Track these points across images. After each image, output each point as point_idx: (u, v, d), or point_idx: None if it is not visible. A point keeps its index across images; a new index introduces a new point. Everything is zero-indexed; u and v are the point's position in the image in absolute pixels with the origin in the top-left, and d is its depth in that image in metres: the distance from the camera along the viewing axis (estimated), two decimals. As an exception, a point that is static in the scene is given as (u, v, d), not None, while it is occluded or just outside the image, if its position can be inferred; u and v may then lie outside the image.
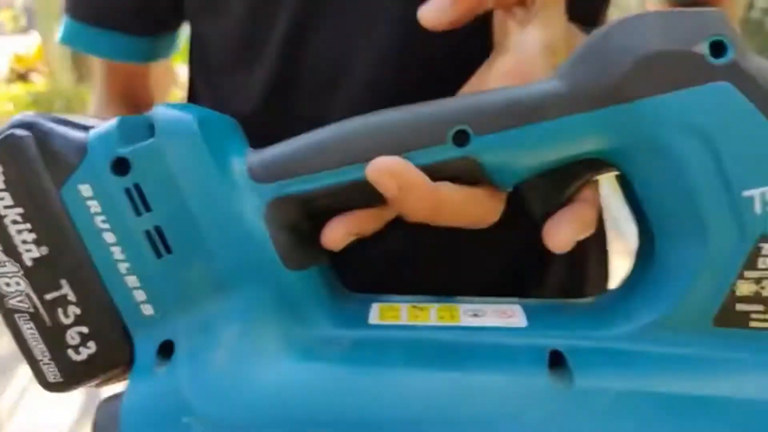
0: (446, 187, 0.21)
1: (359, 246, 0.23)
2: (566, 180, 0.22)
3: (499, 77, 0.23)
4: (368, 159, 0.20)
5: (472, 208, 0.21)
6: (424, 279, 0.31)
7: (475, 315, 0.22)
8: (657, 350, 0.21)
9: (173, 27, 0.39)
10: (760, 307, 0.20)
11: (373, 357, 0.21)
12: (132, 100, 0.42)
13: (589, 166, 0.22)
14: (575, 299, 0.24)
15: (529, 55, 0.23)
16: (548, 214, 0.22)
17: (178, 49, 0.42)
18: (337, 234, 0.22)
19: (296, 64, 0.32)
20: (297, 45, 0.32)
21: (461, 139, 0.20)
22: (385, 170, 0.20)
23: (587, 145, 0.21)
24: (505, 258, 0.33)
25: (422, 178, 0.20)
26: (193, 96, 0.38)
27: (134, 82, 0.42)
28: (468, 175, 0.21)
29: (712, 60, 0.20)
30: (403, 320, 0.22)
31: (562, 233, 0.21)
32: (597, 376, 0.20)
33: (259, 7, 0.32)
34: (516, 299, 0.24)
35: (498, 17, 0.25)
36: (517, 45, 0.24)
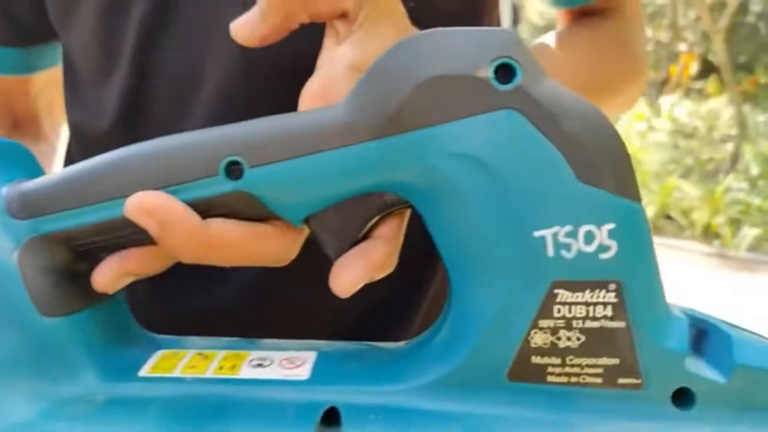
0: (219, 224, 0.19)
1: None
2: (360, 216, 0.20)
3: (306, 99, 0.21)
4: (130, 194, 0.18)
5: (257, 245, 0.19)
6: (281, 314, 0.29)
7: (259, 365, 0.20)
8: (445, 408, 0.18)
9: (45, 38, 0.37)
10: (557, 360, 0.18)
11: (122, 416, 0.18)
12: (7, 113, 0.40)
13: (383, 201, 0.20)
14: (389, 343, 0.22)
15: (334, 75, 0.21)
16: (343, 252, 0.20)
17: (58, 61, 0.40)
18: (106, 276, 0.20)
19: (148, 78, 0.31)
20: (146, 58, 0.30)
21: (234, 171, 0.18)
22: (143, 206, 0.18)
23: (369, 178, 0.19)
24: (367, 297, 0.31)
25: (187, 214, 0.18)
26: (68, 109, 0.36)
27: (9, 95, 0.40)
28: (248, 209, 0.19)
29: (496, 85, 0.18)
30: (177, 372, 0.20)
31: (344, 275, 0.19)
32: None
33: (108, 17, 0.31)
34: (324, 343, 0.22)
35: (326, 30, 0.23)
36: (325, 64, 0.22)
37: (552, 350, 0.18)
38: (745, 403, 0.18)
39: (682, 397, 0.18)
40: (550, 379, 0.18)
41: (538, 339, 0.18)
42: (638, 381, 0.18)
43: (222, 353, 0.20)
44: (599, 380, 0.18)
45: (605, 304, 0.18)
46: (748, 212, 2.92)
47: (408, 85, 0.18)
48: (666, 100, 4.86)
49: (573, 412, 0.18)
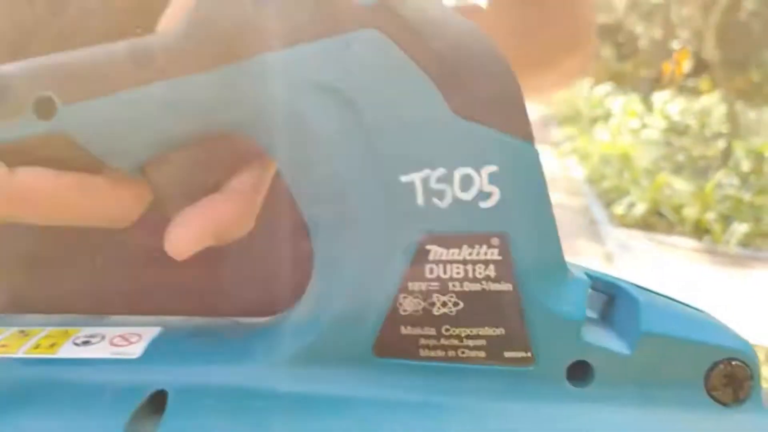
0: (28, 173, 0.15)
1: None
2: (206, 164, 0.17)
3: (163, 20, 0.18)
4: None
5: (83, 200, 0.16)
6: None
7: (86, 342, 0.17)
8: (297, 390, 0.15)
9: None
10: (431, 331, 0.15)
11: None
12: None
13: (235, 147, 0.17)
14: (257, 318, 0.19)
15: None
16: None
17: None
18: None
19: None
20: None
21: (45, 109, 0.15)
22: None
23: (206, 117, 0.15)
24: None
25: None
26: None
27: None
28: (73, 157, 0.16)
29: (358, 1, 0.15)
30: None
31: (179, 234, 0.16)
32: (193, 425, 0.15)
33: None
34: (179, 319, 0.19)
35: None
36: None
37: (425, 319, 0.15)
38: (654, 377, 0.15)
39: (580, 373, 0.15)
40: (423, 353, 0.15)
41: (408, 305, 0.15)
42: (528, 355, 0.15)
43: (47, 330, 0.17)
44: (482, 354, 0.15)
45: (487, 263, 0.15)
46: (739, 208, 2.91)
47: (248, 4, 0.15)
48: (659, 98, 4.85)
49: (450, 392, 0.15)
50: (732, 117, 3.77)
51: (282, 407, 0.15)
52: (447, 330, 0.15)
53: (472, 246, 0.15)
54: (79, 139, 0.15)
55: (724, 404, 0.15)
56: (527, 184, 0.15)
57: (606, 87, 5.35)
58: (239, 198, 0.17)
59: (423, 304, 0.15)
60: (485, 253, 0.15)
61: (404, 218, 0.15)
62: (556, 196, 3.33)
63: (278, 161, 0.16)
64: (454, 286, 0.15)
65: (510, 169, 0.15)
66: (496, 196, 0.15)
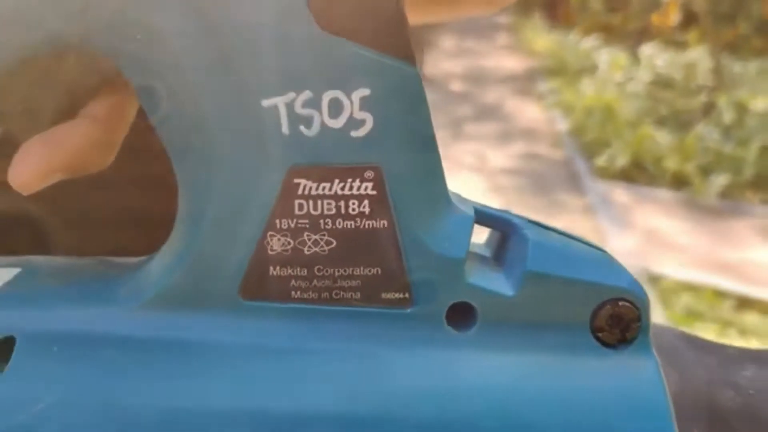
0: None
1: None
2: (53, 87, 0.16)
3: None
4: None
5: None
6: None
7: None
8: (155, 335, 0.14)
9: None
10: (303, 271, 0.14)
11: None
12: None
13: (93, 70, 0.16)
14: (129, 258, 0.18)
15: None
16: None
17: None
18: None
19: None
20: None
21: None
22: None
23: (46, 30, 0.14)
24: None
25: None
26: None
27: None
28: None
29: None
30: None
31: (20, 166, 0.14)
32: (37, 377, 0.14)
33: None
34: (44, 258, 0.17)
35: None
36: None
37: (295, 258, 0.14)
38: (539, 319, 0.14)
39: (461, 315, 0.14)
40: (294, 295, 0.14)
41: (277, 244, 0.14)
42: (406, 296, 0.14)
43: None
44: (357, 295, 0.14)
45: (361, 198, 0.14)
46: (720, 160, 2.92)
47: None
48: (646, 50, 4.80)
49: (324, 337, 0.14)
50: (717, 69, 3.74)
51: (138, 353, 0.14)
52: (319, 270, 0.14)
53: (344, 179, 0.14)
54: None
55: (611, 346, 0.15)
56: (405, 110, 0.14)
57: (593, 40, 5.28)
58: (94, 125, 0.15)
59: (293, 242, 0.14)
60: (359, 188, 0.14)
61: (268, 148, 0.14)
62: (539, 149, 3.32)
63: (133, 85, 0.14)
64: (326, 223, 0.14)
65: (385, 94, 0.13)
66: (369, 124, 0.13)
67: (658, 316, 1.81)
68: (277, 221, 0.14)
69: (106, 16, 0.14)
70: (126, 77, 0.15)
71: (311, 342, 0.14)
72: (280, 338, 0.14)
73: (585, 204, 2.60)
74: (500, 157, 3.20)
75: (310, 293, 0.14)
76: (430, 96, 0.14)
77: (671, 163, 2.88)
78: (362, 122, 0.14)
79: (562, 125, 3.70)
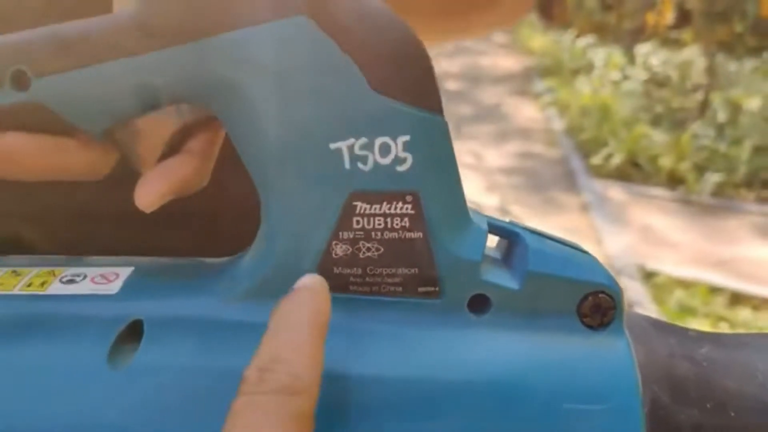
0: (11, 137, 0.18)
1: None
2: (165, 128, 0.20)
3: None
4: None
5: (58, 159, 0.19)
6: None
7: (71, 281, 0.20)
8: (248, 319, 0.19)
9: None
10: (358, 270, 0.19)
11: None
12: None
13: (191, 113, 0.20)
14: (217, 259, 0.22)
15: None
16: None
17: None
18: None
19: None
20: None
21: (20, 81, 0.18)
22: None
23: (162, 90, 0.18)
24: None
25: None
26: None
27: None
28: (44, 121, 0.19)
29: None
30: None
31: (147, 190, 0.19)
32: (165, 350, 0.18)
33: None
34: (148, 259, 0.22)
35: None
36: None
37: (353, 261, 0.19)
38: (538, 307, 0.19)
39: (478, 304, 0.19)
40: (352, 288, 0.19)
41: (339, 250, 0.19)
42: (436, 289, 0.19)
43: (36, 270, 0.21)
44: (399, 289, 0.19)
45: (402, 216, 0.18)
46: (714, 159, 2.96)
47: None
48: (641, 49, 4.84)
49: (374, 320, 0.19)
50: (711, 68, 3.79)
51: (237, 334, 0.19)
52: (371, 270, 0.19)
53: (390, 202, 0.18)
54: (52, 108, 0.18)
55: (593, 328, 0.19)
56: (436, 150, 0.18)
57: (588, 39, 5.31)
58: (195, 158, 0.20)
59: (351, 249, 0.19)
60: (401, 208, 0.18)
61: (334, 179, 0.18)
62: (535, 148, 3.37)
63: (227, 130, 0.19)
64: (376, 234, 0.19)
65: (421, 138, 0.18)
66: (409, 161, 0.18)
67: (651, 312, 1.86)
68: (340, 233, 0.18)
69: (208, 81, 0.18)
70: (219, 121, 0.19)
71: (364, 323, 0.19)
72: (342, 320, 0.19)
73: (581, 202, 2.65)
74: (497, 156, 3.24)
75: (364, 287, 0.19)
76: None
77: (666, 162, 2.93)
78: (404, 160, 0.18)
79: (558, 124, 3.75)
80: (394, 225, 0.18)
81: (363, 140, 0.18)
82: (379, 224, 0.18)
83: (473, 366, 0.19)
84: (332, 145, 0.18)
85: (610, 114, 3.51)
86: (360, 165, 0.18)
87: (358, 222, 0.18)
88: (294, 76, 0.18)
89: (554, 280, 0.19)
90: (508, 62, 5.60)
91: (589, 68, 4.62)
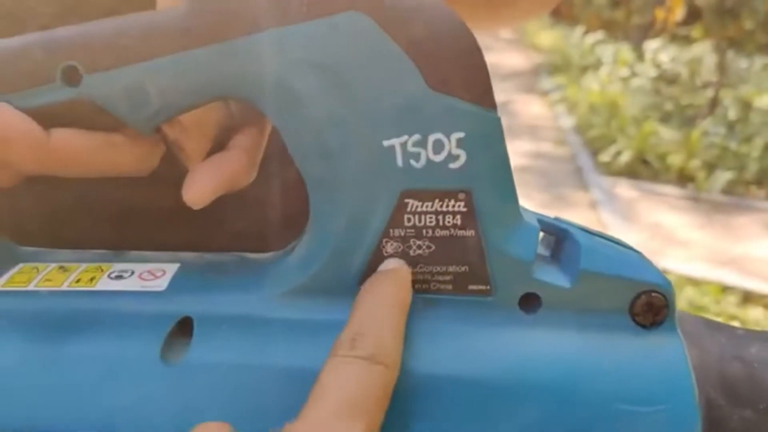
0: (61, 134, 0.18)
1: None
2: (213, 124, 0.20)
3: None
4: None
5: (107, 156, 0.19)
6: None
7: (119, 277, 0.20)
8: (298, 315, 0.19)
9: None
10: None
11: None
12: None
13: (239, 109, 0.20)
14: (260, 255, 0.22)
15: None
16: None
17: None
18: None
19: None
20: None
21: (71, 77, 0.18)
22: None
23: (211, 86, 0.18)
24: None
25: (24, 123, 0.18)
26: None
27: None
28: (93, 118, 0.18)
29: None
30: (32, 285, 0.20)
31: (195, 186, 0.19)
32: (216, 347, 0.18)
33: None
34: (192, 255, 0.22)
35: None
36: None
37: (404, 258, 0.19)
38: (589, 306, 0.19)
39: (530, 302, 0.19)
40: None
41: (390, 247, 0.19)
42: (487, 287, 0.19)
43: (84, 266, 0.20)
44: (450, 287, 0.19)
45: (454, 213, 0.18)
46: (724, 156, 2.95)
47: None
48: (650, 46, 4.81)
49: (425, 317, 0.19)
50: (722, 65, 3.76)
51: (286, 332, 0.19)
52: (421, 267, 0.19)
53: (442, 200, 0.18)
54: (102, 104, 0.18)
55: (645, 327, 0.19)
56: (490, 147, 0.18)
57: (597, 35, 5.29)
58: (243, 154, 0.20)
59: (402, 246, 0.18)
60: (453, 206, 0.18)
61: (386, 176, 0.18)
62: (543, 145, 3.36)
63: (276, 126, 0.19)
64: (427, 232, 0.18)
65: (475, 135, 0.18)
66: (462, 158, 0.18)
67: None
68: (391, 230, 0.18)
69: (258, 78, 0.18)
70: (268, 119, 0.19)
71: (415, 321, 0.19)
72: None
73: (589, 199, 2.65)
74: (506, 153, 3.22)
75: (414, 285, 0.19)
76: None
77: (676, 159, 2.91)
78: (457, 157, 0.18)
79: (566, 121, 3.74)
80: (446, 223, 0.18)
81: (416, 137, 0.18)
82: (431, 222, 0.18)
83: (525, 365, 0.18)
84: (385, 143, 0.18)
85: (618, 111, 3.49)
86: (413, 162, 0.18)
87: (409, 219, 0.18)
88: (347, 72, 0.17)
89: (606, 278, 0.19)
90: (515, 59, 5.58)
91: (597, 65, 4.60)
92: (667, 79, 4.27)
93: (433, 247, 0.19)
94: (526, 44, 6.12)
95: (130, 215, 0.31)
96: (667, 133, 3.16)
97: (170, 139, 0.20)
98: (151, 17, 0.18)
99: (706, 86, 3.96)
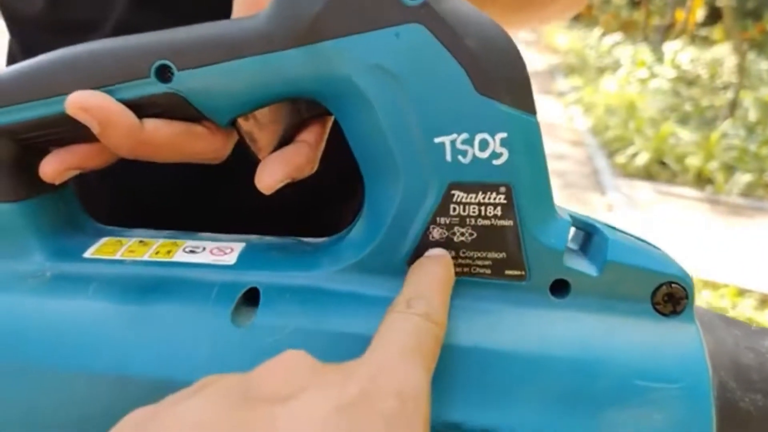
0: (153, 123, 0.21)
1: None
2: (283, 120, 0.22)
3: (239, 4, 0.23)
4: (69, 92, 0.20)
5: (189, 143, 0.21)
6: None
7: (192, 251, 0.22)
8: (352, 290, 0.21)
9: None
10: (452, 253, 0.21)
11: (66, 290, 0.21)
12: None
13: (306, 107, 0.22)
14: (314, 239, 0.24)
15: None
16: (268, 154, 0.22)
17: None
18: (50, 167, 0.22)
19: None
20: None
21: (164, 74, 0.20)
22: (82, 104, 0.20)
23: (287, 85, 0.20)
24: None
25: (123, 113, 0.20)
26: None
27: None
28: (178, 110, 0.21)
29: (407, 1, 0.19)
30: (117, 255, 0.22)
31: (267, 175, 0.21)
32: (280, 313, 0.20)
33: None
34: (255, 237, 0.24)
35: None
36: None
37: (448, 243, 0.21)
38: (614, 293, 0.21)
39: (560, 288, 0.21)
40: None
41: (436, 233, 0.21)
42: (522, 273, 0.21)
43: (160, 241, 0.23)
44: (488, 271, 0.21)
45: (495, 205, 0.20)
46: (743, 158, 2.93)
47: None
48: (670, 47, 4.78)
49: (466, 297, 0.21)
50: (742, 67, 3.74)
51: (341, 303, 0.21)
52: (463, 253, 0.21)
53: (485, 192, 0.20)
54: (188, 98, 0.21)
55: (665, 315, 0.21)
56: (529, 147, 0.20)
57: (615, 37, 5.26)
58: (308, 148, 0.22)
59: (447, 233, 0.21)
60: (494, 198, 0.20)
61: (436, 170, 0.20)
62: (559, 147, 3.36)
63: (340, 122, 0.21)
64: (470, 221, 0.20)
65: (517, 136, 0.20)
66: (505, 156, 0.20)
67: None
68: (438, 218, 0.20)
69: (330, 79, 0.20)
70: (334, 116, 0.21)
71: (457, 300, 0.21)
72: None
73: (605, 201, 2.65)
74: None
75: (456, 268, 0.21)
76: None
77: (694, 161, 2.90)
78: (500, 154, 0.20)
79: (583, 123, 3.74)
80: (487, 213, 0.20)
81: (464, 135, 0.20)
82: (474, 212, 0.20)
83: (553, 342, 0.20)
84: (437, 140, 0.20)
85: (636, 112, 3.48)
86: (460, 158, 0.20)
87: (454, 209, 0.20)
88: (407, 77, 0.20)
89: (631, 269, 0.21)
90: (531, 60, 5.57)
91: (615, 66, 4.59)
92: (686, 80, 4.24)
93: (475, 235, 0.21)
94: (543, 45, 6.11)
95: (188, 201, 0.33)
96: (686, 135, 3.15)
97: (244, 132, 0.22)
98: (235, 23, 0.21)
99: (726, 88, 3.93)
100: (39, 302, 0.21)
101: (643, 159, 2.98)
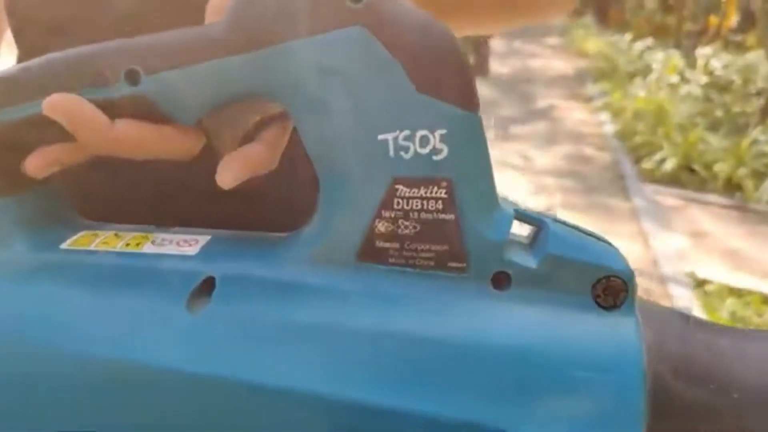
0: (123, 123, 0.22)
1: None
2: (244, 120, 0.24)
3: (209, 12, 0.24)
4: (48, 95, 0.22)
5: (159, 142, 0.23)
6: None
7: (160, 244, 0.24)
8: (305, 281, 0.22)
9: None
10: (396, 245, 0.22)
11: (43, 277, 0.23)
12: None
13: (264, 108, 0.24)
14: (278, 234, 0.26)
15: None
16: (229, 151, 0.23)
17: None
18: (34, 163, 0.23)
19: None
20: None
21: (133, 77, 0.22)
22: (57, 106, 0.22)
23: (243, 87, 0.22)
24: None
25: (95, 114, 0.22)
26: None
27: None
28: (150, 111, 0.22)
29: (349, 4, 0.20)
30: (92, 246, 0.24)
31: (227, 171, 0.22)
32: (234, 302, 0.22)
33: None
34: (225, 231, 0.25)
35: None
36: None
37: (393, 236, 0.22)
38: (555, 286, 0.21)
39: (501, 280, 0.22)
40: (391, 260, 0.22)
41: (382, 227, 0.22)
42: (463, 265, 0.22)
43: (133, 234, 0.25)
44: (432, 263, 0.22)
45: (437, 199, 0.21)
46: (774, 166, 2.86)
47: (273, 2, 0.21)
48: (703, 53, 4.70)
49: (409, 288, 0.22)
50: (776, 72, 3.64)
51: (293, 293, 0.22)
52: (408, 245, 0.22)
53: (427, 187, 0.21)
54: (156, 101, 0.22)
55: (605, 308, 0.22)
56: (470, 143, 0.21)
57: (646, 42, 5.18)
58: (267, 147, 0.23)
59: (392, 226, 0.22)
60: (436, 192, 0.21)
61: (380, 166, 0.21)
62: (585, 151, 3.32)
63: (295, 122, 0.22)
64: (413, 214, 0.21)
65: (456, 132, 0.21)
66: (445, 152, 0.21)
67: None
68: (383, 212, 0.21)
69: (282, 81, 0.21)
70: (291, 117, 0.22)
71: (401, 290, 0.22)
72: (381, 287, 0.22)
73: (630, 207, 2.61)
74: (546, 158, 3.22)
75: (401, 260, 0.22)
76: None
77: (723, 168, 2.84)
78: (441, 150, 0.21)
79: (610, 128, 3.69)
80: (430, 207, 0.21)
81: (406, 132, 0.21)
82: (417, 206, 0.21)
83: (492, 333, 0.21)
84: (380, 137, 0.21)
85: (665, 118, 3.43)
86: (402, 154, 0.21)
87: (398, 203, 0.21)
88: (351, 78, 0.21)
89: (571, 262, 0.21)
90: (560, 65, 5.53)
91: (645, 71, 4.52)
92: (718, 86, 4.16)
93: (419, 228, 0.22)
94: (571, 50, 6.05)
95: (170, 197, 0.35)
96: (715, 141, 3.09)
97: (209, 131, 0.23)
98: (198, 30, 0.22)
99: (760, 94, 3.84)
100: (13, 288, 0.23)
101: (670, 165, 2.94)
